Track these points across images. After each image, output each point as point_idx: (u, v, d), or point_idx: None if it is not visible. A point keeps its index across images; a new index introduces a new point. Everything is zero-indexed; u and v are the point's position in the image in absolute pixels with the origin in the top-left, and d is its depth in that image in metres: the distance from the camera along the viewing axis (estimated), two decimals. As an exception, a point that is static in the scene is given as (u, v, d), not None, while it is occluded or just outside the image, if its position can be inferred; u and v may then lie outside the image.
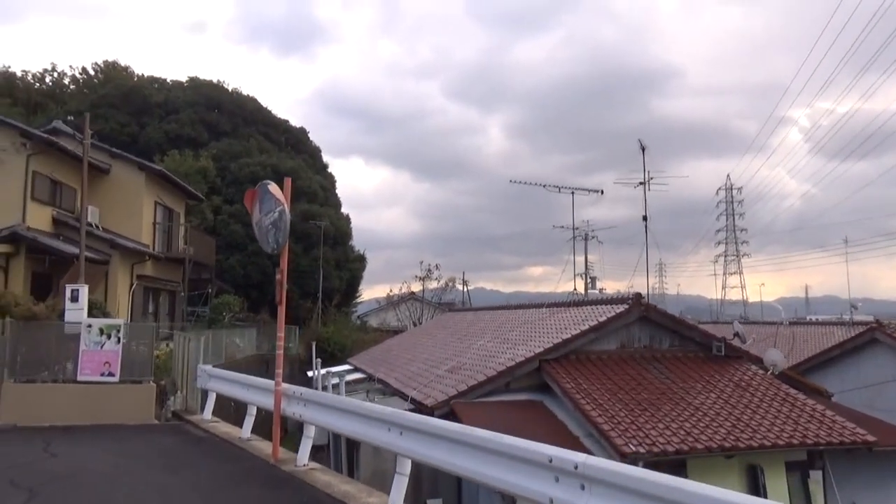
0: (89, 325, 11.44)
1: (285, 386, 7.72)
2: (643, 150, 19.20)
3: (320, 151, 48.90)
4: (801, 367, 20.08)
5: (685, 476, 11.18)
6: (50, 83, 47.85)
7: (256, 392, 8.74)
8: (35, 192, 19.68)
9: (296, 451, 7.76)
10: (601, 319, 14.59)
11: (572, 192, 23.04)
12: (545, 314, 18.66)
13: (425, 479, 12.02)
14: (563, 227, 26.27)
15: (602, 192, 24.82)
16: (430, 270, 39.28)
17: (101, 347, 11.38)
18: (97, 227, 21.97)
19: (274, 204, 7.87)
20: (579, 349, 14.23)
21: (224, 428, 9.98)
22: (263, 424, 8.98)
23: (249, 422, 9.06)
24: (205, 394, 11.15)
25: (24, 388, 11.33)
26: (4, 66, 46.42)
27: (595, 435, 11.53)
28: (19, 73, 48.27)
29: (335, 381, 19.46)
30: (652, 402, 12.34)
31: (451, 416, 13.81)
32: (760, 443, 11.12)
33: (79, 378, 11.32)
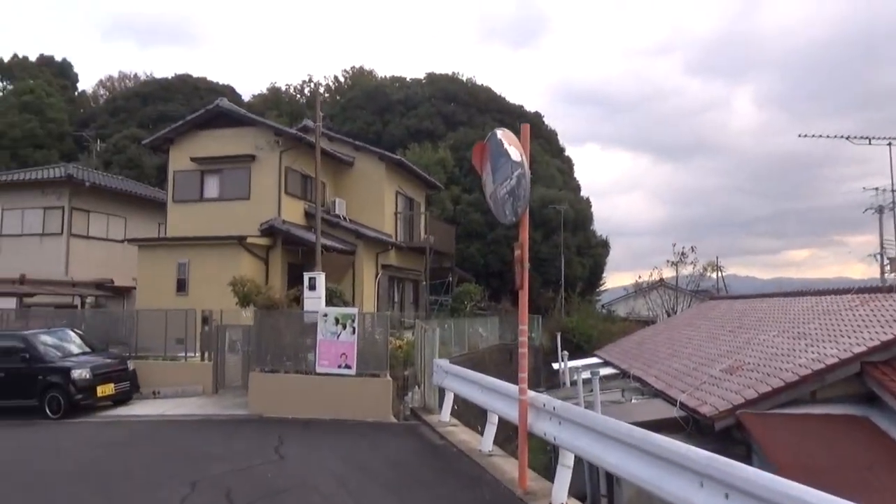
0: (325, 315, 10.82)
1: (532, 395, 5.89)
2: None
3: (556, 135, 47.04)
4: None
5: None
6: (308, 93, 52.44)
7: (496, 398, 7.05)
8: (288, 187, 20.56)
9: (548, 475, 5.92)
10: (956, 309, 10.61)
11: (889, 143, 17.73)
12: (853, 302, 14.63)
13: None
14: (876, 189, 20.36)
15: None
16: (683, 254, 35.17)
17: (338, 338, 10.67)
18: (344, 218, 22.50)
19: (510, 168, 6.11)
20: (923, 349, 10.46)
21: (462, 435, 8.51)
22: (508, 429, 7.33)
23: (491, 431, 7.43)
24: (442, 391, 9.84)
25: (269, 379, 11.08)
26: (272, 83, 51.97)
27: (972, 475, 8.02)
28: (283, 87, 53.84)
29: (585, 375, 17.35)
30: None
31: (737, 429, 11.01)
32: None
33: (317, 370, 10.75)
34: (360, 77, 51.33)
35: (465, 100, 44.85)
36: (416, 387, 11.20)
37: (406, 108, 44.57)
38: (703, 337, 18.77)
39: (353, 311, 10.83)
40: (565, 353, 20.57)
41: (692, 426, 12.15)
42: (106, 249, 24.42)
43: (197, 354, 13.44)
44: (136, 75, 64.16)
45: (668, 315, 32.02)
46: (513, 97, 48.76)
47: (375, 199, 23.75)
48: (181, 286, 19.12)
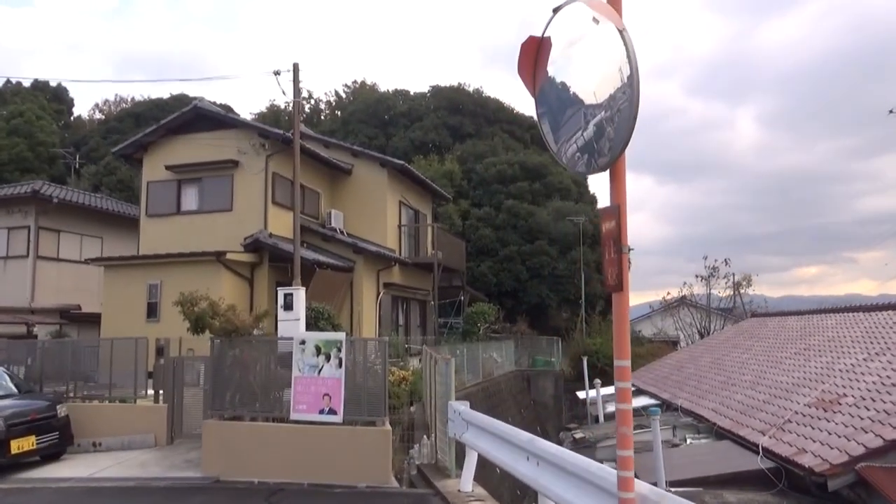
0: (302, 342, 8.15)
1: (647, 490, 3.13)
2: None
3: (568, 146, 44.43)
4: None
5: None
6: (308, 111, 50.24)
7: (562, 480, 4.26)
8: (276, 196, 18.03)
9: None
10: None
11: None
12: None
13: None
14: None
15: None
16: (714, 268, 32.15)
17: (319, 373, 8.01)
18: (342, 231, 19.94)
19: (583, 117, 3.71)
20: None
21: (494, 519, 5.77)
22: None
23: (542, 524, 4.68)
24: (462, 445, 7.12)
25: (229, 429, 8.38)
26: (270, 101, 49.85)
27: None
28: (282, 105, 51.70)
29: (646, 402, 14.28)
30: None
31: (853, 488, 8.26)
32: None
33: (292, 416, 8.06)
34: (361, 91, 49.12)
35: (473, 110, 42.49)
36: (425, 437, 8.48)
37: (410, 120, 42.27)
38: (762, 361, 15.97)
39: (339, 336, 8.16)
40: (597, 381, 17.78)
41: (785, 481, 9.38)
42: (78, 273, 21.93)
43: (151, 394, 10.76)
44: (132, 98, 62.33)
45: (701, 336, 29.11)
46: (522, 110, 46.20)
47: (377, 211, 21.19)
48: (152, 311, 16.60)
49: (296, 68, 12.90)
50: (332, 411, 7.88)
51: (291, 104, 15.47)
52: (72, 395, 11.07)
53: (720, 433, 12.21)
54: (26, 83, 56.82)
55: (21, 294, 20.82)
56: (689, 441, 12.87)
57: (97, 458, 9.67)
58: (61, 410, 9.91)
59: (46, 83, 58.23)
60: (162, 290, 16.48)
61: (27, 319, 17.00)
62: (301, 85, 13.00)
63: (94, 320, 20.43)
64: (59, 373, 11.64)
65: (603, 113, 3.56)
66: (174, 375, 10.38)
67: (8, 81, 56.61)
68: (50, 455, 9.73)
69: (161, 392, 10.58)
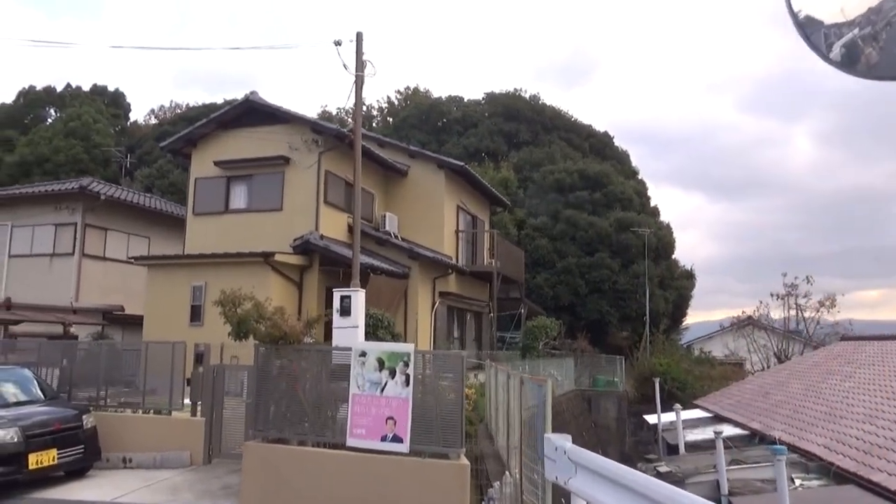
0: (362, 354, 6.79)
1: None
2: None
3: (628, 156, 42.62)
4: None
5: None
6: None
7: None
8: (328, 196, 16.89)
9: None
10: None
11: None
12: None
13: None
14: None
15: None
16: (793, 286, 29.61)
17: (381, 391, 6.63)
18: (396, 236, 18.70)
19: (824, 39, 2.46)
20: None
21: None
22: None
23: None
24: (562, 488, 5.60)
25: (274, 453, 7.07)
26: (322, 107, 49.36)
27: None
28: (334, 112, 51.16)
29: (732, 432, 12.20)
30: None
31: None
32: None
33: (349, 442, 6.69)
34: (414, 97, 48.17)
35: (529, 117, 41.02)
36: (507, 473, 6.99)
37: (464, 126, 41.06)
38: (873, 391, 13.95)
39: (407, 348, 6.77)
40: (677, 405, 15.95)
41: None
42: (124, 273, 21.23)
43: (188, 404, 9.58)
44: (187, 105, 62.95)
45: (779, 360, 26.80)
46: (580, 118, 44.60)
47: (433, 215, 19.88)
48: (195, 315, 15.56)
49: (359, 38, 11.62)
50: (396, 439, 6.49)
51: (352, 95, 14.24)
52: (103, 402, 9.99)
53: (839, 475, 10.40)
54: (85, 87, 58.00)
55: (65, 293, 20.18)
56: (797, 483, 11.03)
57: (125, 477, 8.51)
58: (88, 421, 8.79)
59: (105, 87, 59.31)
60: (206, 293, 15.42)
61: (65, 319, 16.14)
62: (364, 58, 11.71)
63: (138, 322, 19.57)
64: (94, 377, 10.61)
65: (857, 31, 2.39)
66: (214, 386, 9.17)
67: (68, 85, 57.92)
68: (74, 471, 8.63)
69: (199, 404, 9.38)
